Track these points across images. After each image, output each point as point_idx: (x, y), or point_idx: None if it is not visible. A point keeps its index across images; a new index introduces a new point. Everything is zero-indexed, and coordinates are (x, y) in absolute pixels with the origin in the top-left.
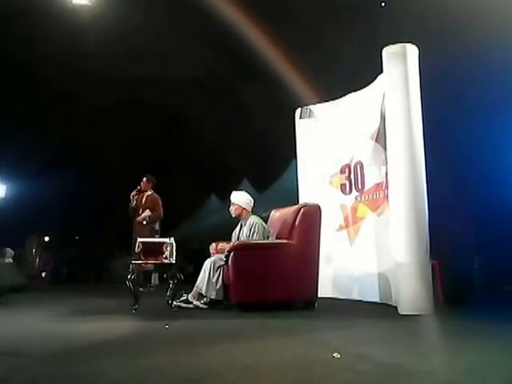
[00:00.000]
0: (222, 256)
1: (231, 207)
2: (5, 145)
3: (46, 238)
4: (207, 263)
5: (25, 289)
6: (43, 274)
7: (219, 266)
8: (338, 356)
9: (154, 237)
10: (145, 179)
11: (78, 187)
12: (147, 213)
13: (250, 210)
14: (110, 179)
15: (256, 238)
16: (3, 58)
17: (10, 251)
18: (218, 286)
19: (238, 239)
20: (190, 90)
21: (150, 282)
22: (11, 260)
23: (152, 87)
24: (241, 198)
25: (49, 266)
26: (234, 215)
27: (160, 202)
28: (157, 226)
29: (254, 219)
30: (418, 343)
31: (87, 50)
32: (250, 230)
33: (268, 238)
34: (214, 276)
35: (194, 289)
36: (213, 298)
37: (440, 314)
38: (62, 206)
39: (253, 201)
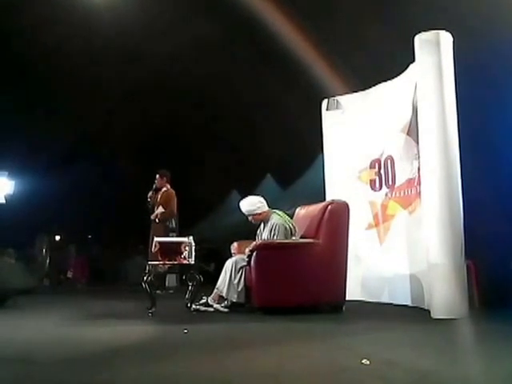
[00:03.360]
0: (244, 256)
1: (249, 218)
2: (14, 137)
3: (57, 237)
4: (228, 264)
5: (34, 291)
6: (69, 274)
7: (241, 267)
8: (367, 362)
9: (168, 235)
10: (158, 175)
11: (92, 183)
12: (160, 210)
13: (266, 209)
14: (126, 175)
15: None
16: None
17: (11, 252)
18: (239, 288)
19: (260, 239)
20: (212, 83)
21: (165, 284)
22: (13, 261)
23: (172, 81)
24: (251, 207)
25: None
26: (257, 224)
27: (174, 198)
28: (172, 224)
29: (275, 220)
30: (452, 349)
31: (99, 39)
32: (271, 232)
33: (292, 237)
34: (235, 277)
35: (215, 291)
36: (234, 300)
37: (475, 317)
38: (75, 203)
39: (262, 199)
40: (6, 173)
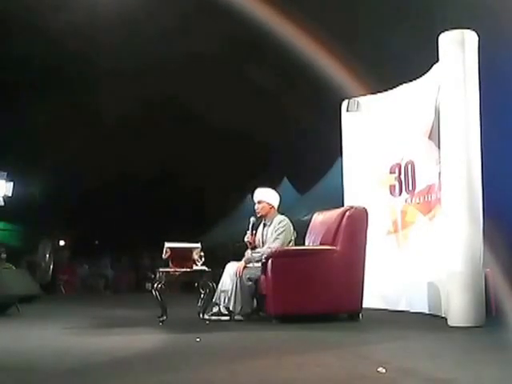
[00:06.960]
0: (238, 264)
1: (257, 206)
2: (15, 136)
3: (62, 242)
4: (234, 277)
5: (38, 298)
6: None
7: (249, 278)
8: (383, 371)
9: None
10: None
11: (98, 185)
12: None
13: (276, 208)
14: (134, 176)
15: (282, 237)
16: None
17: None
18: (246, 298)
19: (263, 243)
20: (225, 84)
21: None
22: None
23: (181, 89)
24: (269, 195)
25: None
26: (259, 214)
27: None
28: None
29: (282, 217)
30: (469, 357)
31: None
32: (279, 224)
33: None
34: (241, 289)
35: (221, 294)
36: (247, 311)
37: (492, 326)
38: (79, 205)
39: (279, 198)
40: (5, 173)
